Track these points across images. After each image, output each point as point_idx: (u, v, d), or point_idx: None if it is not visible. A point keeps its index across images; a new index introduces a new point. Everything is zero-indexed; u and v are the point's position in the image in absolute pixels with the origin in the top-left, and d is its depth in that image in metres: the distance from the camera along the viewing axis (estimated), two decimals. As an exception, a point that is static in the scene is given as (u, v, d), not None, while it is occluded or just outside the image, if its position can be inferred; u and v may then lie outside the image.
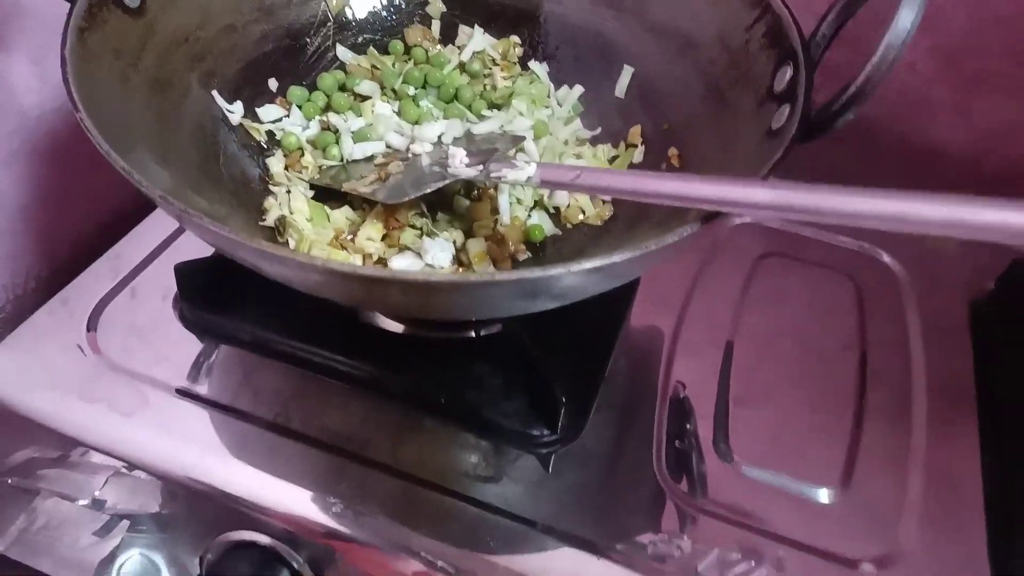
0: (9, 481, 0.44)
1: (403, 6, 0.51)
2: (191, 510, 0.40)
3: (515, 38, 0.50)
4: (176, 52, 0.42)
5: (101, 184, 0.66)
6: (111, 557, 0.44)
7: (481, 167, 0.39)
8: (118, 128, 0.34)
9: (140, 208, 0.69)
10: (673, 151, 0.43)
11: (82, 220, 0.65)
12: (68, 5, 0.37)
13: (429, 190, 0.39)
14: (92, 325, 0.42)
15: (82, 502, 0.42)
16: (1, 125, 0.55)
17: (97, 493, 0.42)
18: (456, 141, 0.44)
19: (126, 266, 0.46)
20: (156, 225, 0.49)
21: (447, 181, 0.39)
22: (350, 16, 0.50)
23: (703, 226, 0.29)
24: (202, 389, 0.40)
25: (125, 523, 0.43)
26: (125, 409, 0.40)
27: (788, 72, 0.36)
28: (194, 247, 0.46)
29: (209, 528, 0.40)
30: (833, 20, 0.36)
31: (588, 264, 0.28)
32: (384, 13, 0.50)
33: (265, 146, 0.45)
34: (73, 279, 0.64)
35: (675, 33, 0.45)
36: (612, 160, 0.46)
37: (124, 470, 0.40)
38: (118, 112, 0.35)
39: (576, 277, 0.29)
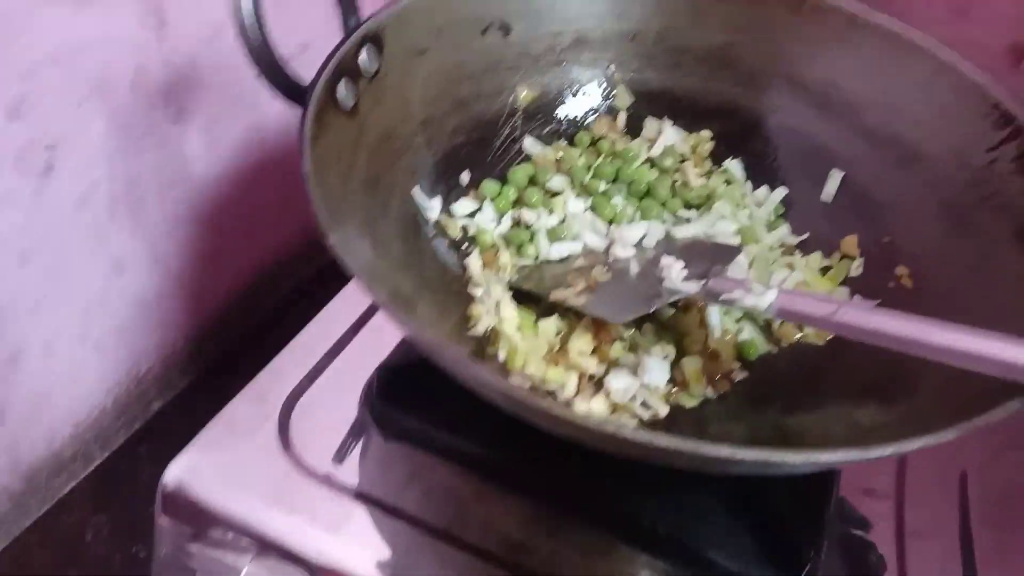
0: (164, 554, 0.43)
1: (591, 99, 0.50)
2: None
3: (706, 132, 0.48)
4: (382, 149, 0.41)
5: (253, 248, 0.67)
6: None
7: (702, 283, 0.37)
8: (348, 242, 0.33)
9: (282, 271, 0.70)
10: (903, 269, 0.40)
11: (230, 283, 0.65)
12: (288, 106, 0.37)
13: (652, 309, 0.37)
14: (283, 421, 0.41)
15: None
16: (171, 191, 0.56)
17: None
18: (658, 244, 0.42)
19: (315, 355, 0.44)
20: (340, 311, 0.48)
21: (669, 300, 0.37)
22: (538, 107, 0.49)
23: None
24: (385, 494, 0.39)
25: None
26: (313, 514, 0.38)
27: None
28: (383, 336, 0.45)
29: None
30: None
31: (873, 452, 0.25)
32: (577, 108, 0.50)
33: (461, 243, 0.43)
34: (219, 342, 0.65)
35: (894, 141, 0.43)
36: (824, 271, 0.43)
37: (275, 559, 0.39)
38: (344, 220, 0.35)
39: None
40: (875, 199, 0.43)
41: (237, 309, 0.66)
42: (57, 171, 0.46)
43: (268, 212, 0.65)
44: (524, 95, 0.48)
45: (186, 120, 0.55)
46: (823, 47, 0.45)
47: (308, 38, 0.62)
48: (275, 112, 0.64)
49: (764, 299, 0.34)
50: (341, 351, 0.44)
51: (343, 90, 0.38)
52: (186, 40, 0.52)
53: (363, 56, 0.40)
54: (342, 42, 0.40)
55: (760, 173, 0.47)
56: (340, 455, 0.40)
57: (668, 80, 0.49)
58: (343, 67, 0.39)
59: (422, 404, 0.40)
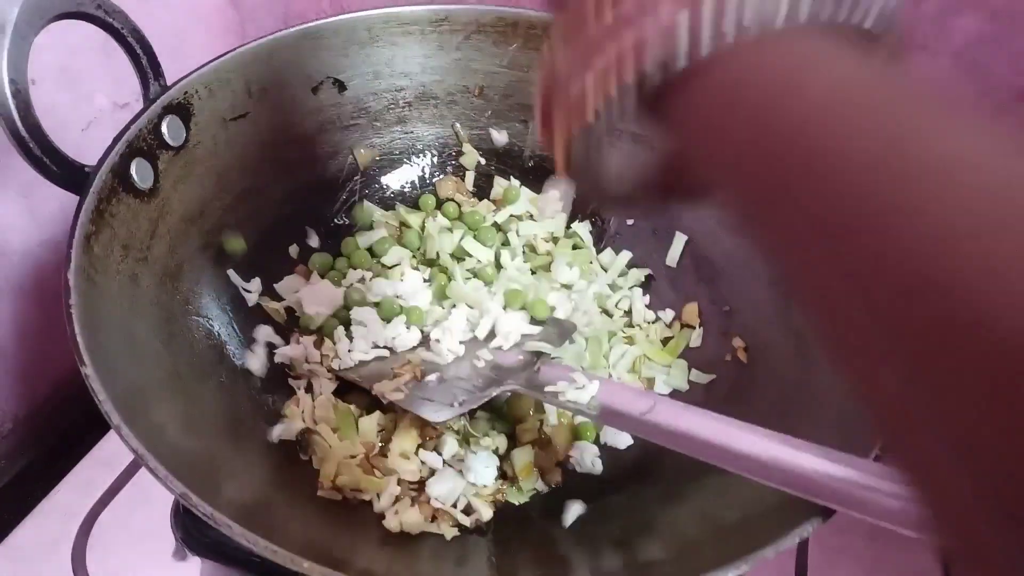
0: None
1: (436, 158, 0.47)
2: None
3: (554, 192, 0.47)
4: (189, 231, 0.38)
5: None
6: None
7: (531, 371, 0.35)
8: (131, 380, 0.29)
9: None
10: (739, 342, 0.39)
11: (64, 355, 0.60)
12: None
13: (474, 406, 0.35)
14: (79, 546, 0.37)
15: None
16: (-16, 266, 0.50)
17: None
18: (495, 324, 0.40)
19: (117, 466, 0.40)
20: None
21: (494, 394, 0.35)
22: (379, 168, 0.46)
23: (823, 522, 0.25)
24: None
25: None
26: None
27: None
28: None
29: None
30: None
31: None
32: (416, 168, 0.47)
33: (284, 325, 0.40)
34: (56, 422, 0.59)
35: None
36: (665, 341, 0.42)
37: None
38: (127, 351, 0.31)
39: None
40: (716, 264, 0.42)
41: (75, 386, 0.60)
42: None
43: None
44: (363, 156, 0.46)
45: (-5, 187, 0.49)
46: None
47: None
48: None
49: (585, 392, 0.32)
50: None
51: (138, 169, 0.35)
52: (-14, 98, 0.47)
53: (165, 128, 0.37)
54: (138, 115, 0.36)
55: (607, 235, 0.46)
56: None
57: (515, 137, 0.47)
58: (138, 144, 0.35)
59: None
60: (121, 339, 0.31)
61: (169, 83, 0.38)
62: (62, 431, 0.60)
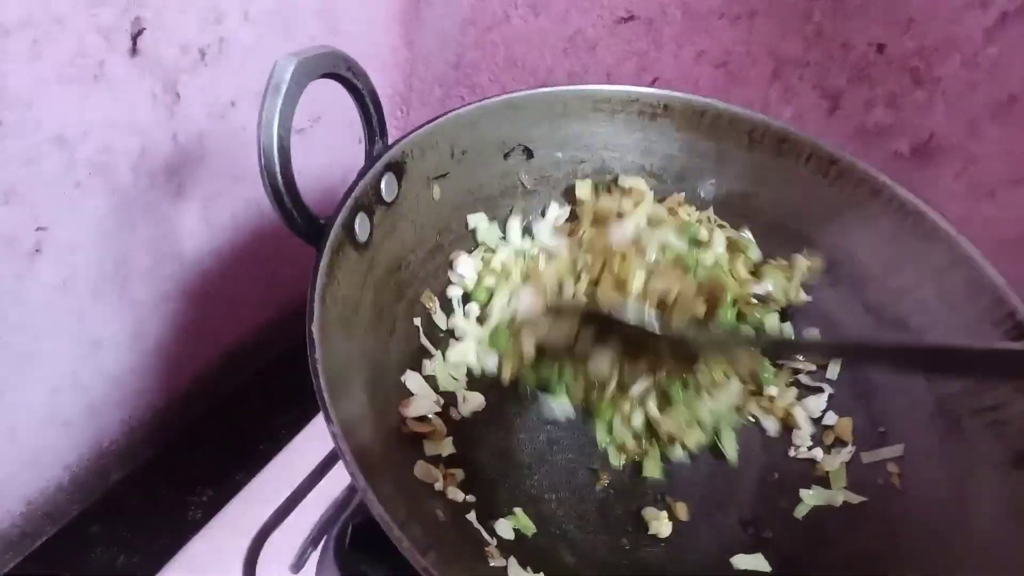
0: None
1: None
2: None
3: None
4: (388, 283, 0.40)
5: (232, 323, 0.65)
6: None
7: None
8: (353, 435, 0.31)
9: (257, 346, 0.67)
10: (894, 468, 0.40)
11: (208, 353, 0.63)
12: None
13: None
14: (251, 562, 0.39)
15: None
16: (160, 268, 0.54)
17: None
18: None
19: (286, 486, 0.43)
20: (314, 439, 0.46)
21: None
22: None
23: None
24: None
25: None
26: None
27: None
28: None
29: None
30: None
31: None
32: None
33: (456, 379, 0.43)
34: (185, 415, 0.62)
35: (899, 323, 0.42)
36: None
37: None
38: (346, 389, 0.33)
39: None
40: (875, 382, 0.43)
41: (207, 382, 0.64)
42: (44, 253, 0.44)
43: (253, 287, 0.64)
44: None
45: (185, 197, 0.53)
46: (842, 213, 0.45)
47: (320, 111, 0.61)
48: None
49: None
50: (316, 483, 0.43)
51: (360, 223, 0.37)
52: (196, 117, 0.50)
53: (383, 184, 0.39)
54: (364, 171, 0.38)
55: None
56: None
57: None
58: (362, 199, 0.37)
59: (395, 559, 0.39)
60: (342, 393, 0.33)
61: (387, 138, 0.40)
62: (184, 425, 0.64)
